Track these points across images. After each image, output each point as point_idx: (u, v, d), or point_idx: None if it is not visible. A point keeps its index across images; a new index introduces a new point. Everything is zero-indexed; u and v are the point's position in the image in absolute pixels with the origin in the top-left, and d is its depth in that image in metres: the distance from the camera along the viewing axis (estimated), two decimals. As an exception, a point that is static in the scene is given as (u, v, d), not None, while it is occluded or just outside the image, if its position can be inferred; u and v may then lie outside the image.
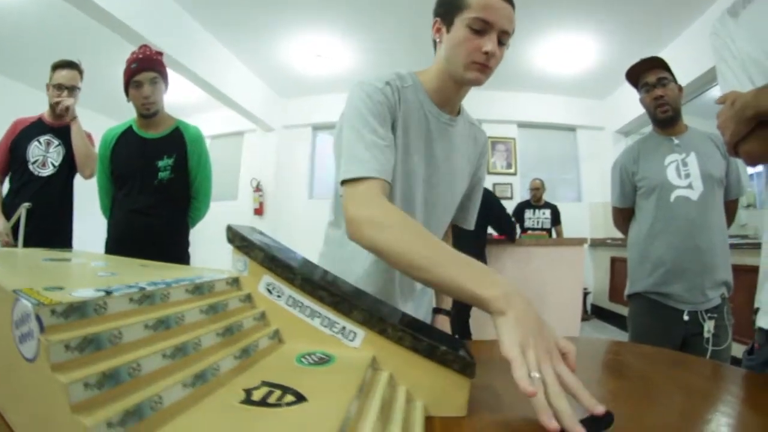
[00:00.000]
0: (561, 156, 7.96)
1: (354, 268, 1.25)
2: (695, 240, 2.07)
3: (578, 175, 7.82)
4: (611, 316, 6.53)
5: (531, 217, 6.09)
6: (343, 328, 0.57)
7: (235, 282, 0.62)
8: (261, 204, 8.04)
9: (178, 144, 2.54)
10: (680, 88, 2.22)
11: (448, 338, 0.61)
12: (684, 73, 5.32)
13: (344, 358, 0.53)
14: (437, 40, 1.23)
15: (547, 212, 6.00)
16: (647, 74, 2.21)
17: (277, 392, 0.41)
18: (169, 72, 5.39)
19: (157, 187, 2.46)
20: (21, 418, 0.39)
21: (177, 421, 0.35)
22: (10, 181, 2.87)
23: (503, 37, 1.16)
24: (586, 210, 7.50)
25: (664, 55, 5.19)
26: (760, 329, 0.97)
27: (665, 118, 2.19)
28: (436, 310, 1.51)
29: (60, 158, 2.83)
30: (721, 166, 2.13)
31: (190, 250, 2.79)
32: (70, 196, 2.96)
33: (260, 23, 5.78)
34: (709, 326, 2.04)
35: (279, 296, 0.60)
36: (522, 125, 7.89)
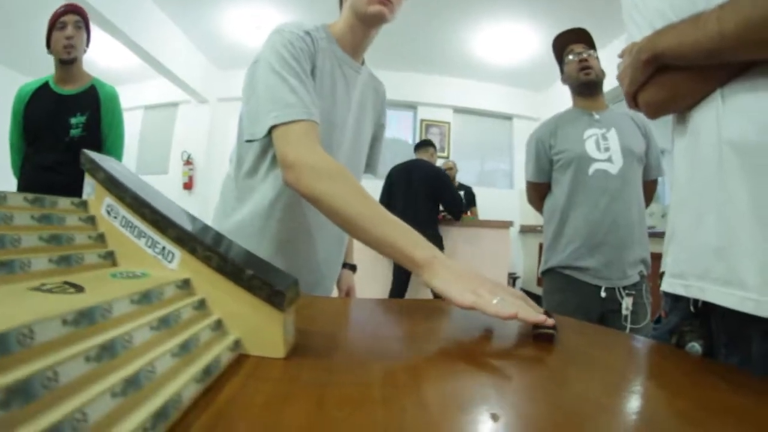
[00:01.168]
0: (496, 143, 8.11)
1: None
2: (613, 214, 2.05)
3: (512, 163, 8.01)
4: (540, 301, 6.62)
5: None
6: (163, 248, 0.56)
7: (81, 204, 0.62)
8: (190, 178, 7.85)
9: (92, 101, 2.49)
10: (602, 72, 2.23)
11: (278, 272, 0.57)
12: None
13: (155, 277, 0.51)
14: None
15: (461, 194, 5.86)
16: (575, 45, 2.22)
17: (64, 287, 0.41)
18: (104, 35, 5.20)
19: (68, 144, 2.40)
20: None
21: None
22: None
23: None
24: (516, 197, 7.66)
25: (606, 51, 5.40)
26: (665, 294, 0.90)
27: (588, 79, 2.17)
28: (343, 265, 1.53)
29: None
30: (641, 144, 2.14)
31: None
32: None
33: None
34: (627, 303, 2.01)
35: (115, 217, 0.59)
36: (458, 110, 8.04)
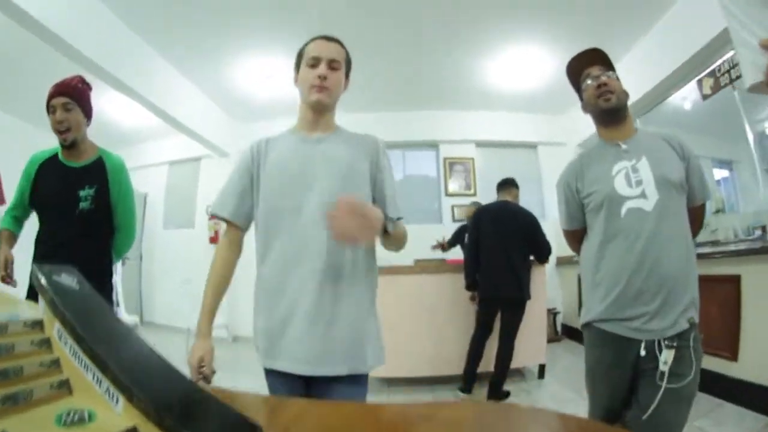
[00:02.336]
0: (523, 174, 7.96)
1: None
2: (652, 257, 1.78)
3: (541, 192, 7.80)
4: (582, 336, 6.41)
5: None
6: (107, 388, 0.48)
7: (37, 325, 0.55)
8: (216, 232, 7.84)
9: (100, 173, 2.47)
10: (626, 92, 1.98)
11: (231, 417, 0.49)
12: (640, 84, 5.45)
13: (102, 424, 0.44)
14: (297, 87, 1.76)
15: None
16: (591, 68, 2.02)
17: None
18: (122, 99, 5.33)
19: (78, 217, 2.37)
20: None
21: None
22: None
23: (334, 64, 1.69)
24: (551, 228, 7.47)
25: (621, 65, 5.29)
26: None
27: (608, 106, 1.94)
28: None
29: None
30: (679, 168, 1.87)
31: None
32: None
33: (211, 46, 5.76)
34: (666, 357, 1.72)
35: (66, 343, 0.51)
36: (480, 144, 7.91)
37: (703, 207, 1.98)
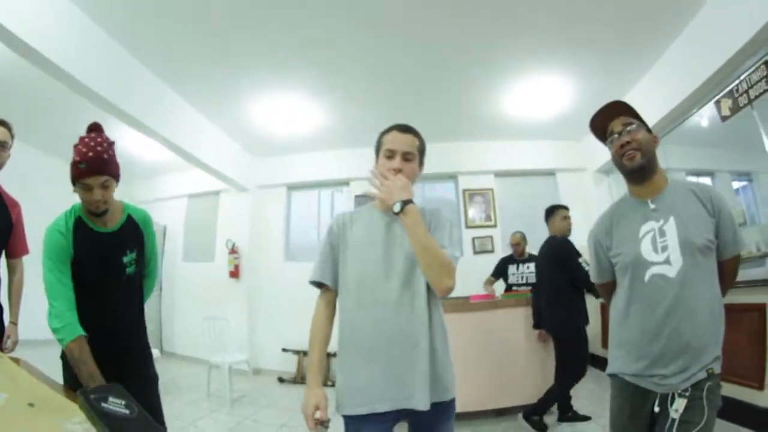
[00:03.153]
0: (542, 202, 7.88)
1: None
2: (672, 324, 1.79)
3: None
4: (606, 363, 6.32)
5: (515, 273, 5.84)
6: None
7: None
8: (236, 266, 7.92)
9: (136, 233, 2.32)
10: (654, 138, 1.97)
11: None
12: (660, 105, 5.39)
13: None
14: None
15: (532, 266, 5.57)
16: (612, 122, 2.00)
17: None
18: (141, 136, 5.38)
19: (126, 283, 2.24)
20: None
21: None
22: None
23: (408, 156, 1.93)
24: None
25: (638, 88, 5.21)
26: None
27: (633, 166, 1.92)
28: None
29: None
30: (708, 227, 1.84)
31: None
32: None
33: (228, 84, 5.81)
34: (677, 405, 1.76)
35: None
36: (499, 174, 7.86)
37: (736, 259, 1.93)
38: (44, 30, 3.80)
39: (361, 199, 7.90)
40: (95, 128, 2.22)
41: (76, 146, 2.09)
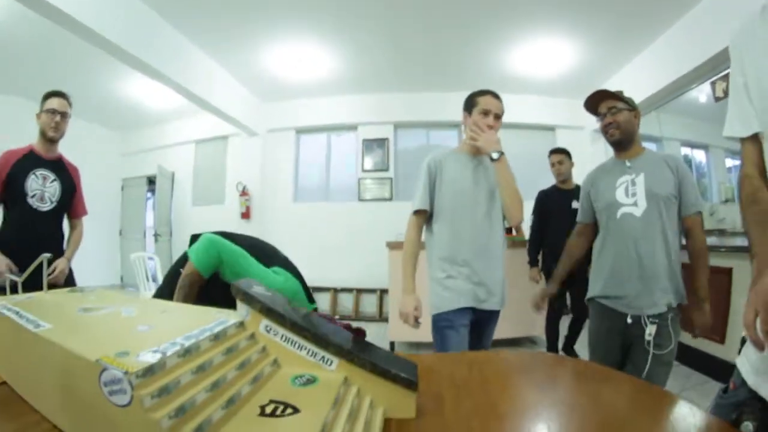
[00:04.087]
0: (541, 155, 8.10)
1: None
2: (637, 251, 2.31)
3: None
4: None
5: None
6: (323, 357, 0.80)
7: (241, 325, 0.83)
8: (248, 208, 8.27)
9: None
10: (636, 114, 2.48)
11: (402, 362, 0.84)
12: (656, 79, 5.72)
13: (324, 379, 0.75)
14: (464, 123, 2.52)
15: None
16: (600, 105, 2.51)
17: (281, 407, 0.64)
18: (150, 81, 5.63)
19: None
20: None
21: (222, 430, 0.56)
22: (5, 213, 3.00)
23: (499, 116, 2.42)
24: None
25: (641, 58, 5.45)
26: (738, 371, 1.08)
27: (613, 140, 2.50)
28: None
29: (57, 194, 3.02)
30: (671, 185, 2.34)
31: (175, 254, 2.99)
32: (62, 233, 3.17)
33: (241, 31, 6.00)
34: (651, 330, 2.25)
35: (275, 335, 0.82)
36: (501, 126, 7.94)
37: (697, 217, 2.39)
38: None
39: (369, 143, 8.20)
40: None
41: None
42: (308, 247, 7.98)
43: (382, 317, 7.35)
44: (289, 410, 0.63)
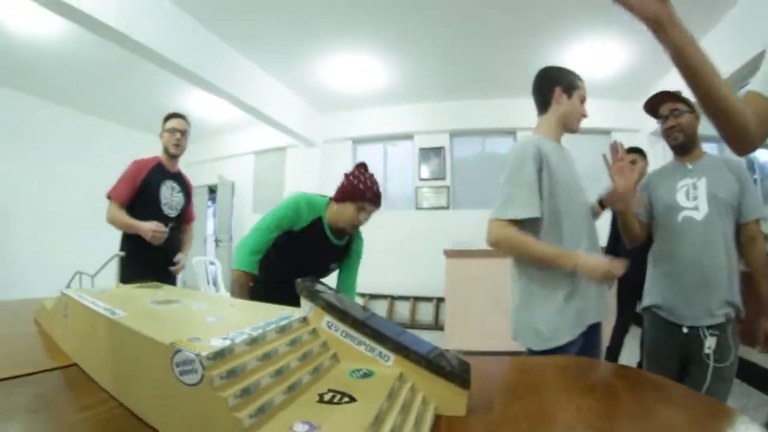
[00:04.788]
0: (597, 160, 7.95)
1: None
2: (697, 257, 2.21)
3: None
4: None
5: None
6: (380, 352, 0.84)
7: (304, 320, 0.89)
8: (303, 217, 8.34)
9: (348, 252, 2.83)
10: (697, 117, 2.38)
11: (455, 361, 0.87)
12: (719, 69, 5.41)
13: (381, 374, 0.79)
14: (557, 101, 2.19)
15: None
16: (662, 107, 2.45)
17: (338, 395, 0.68)
18: (210, 96, 6.04)
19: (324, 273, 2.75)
20: (180, 424, 0.65)
21: (283, 413, 0.61)
22: (135, 217, 3.22)
23: None
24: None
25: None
26: None
27: (676, 144, 2.43)
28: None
29: (181, 204, 3.45)
30: (733, 189, 2.26)
31: None
32: (177, 237, 3.54)
33: (296, 46, 6.24)
34: (710, 342, 2.14)
35: (336, 330, 0.87)
36: (556, 131, 7.90)
37: (756, 224, 2.30)
38: (122, 10, 4.47)
39: (426, 152, 8.23)
40: (364, 166, 2.67)
41: (360, 178, 2.54)
42: (366, 254, 8.00)
43: (438, 325, 7.38)
44: (345, 399, 0.67)
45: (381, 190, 2.59)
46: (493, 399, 0.91)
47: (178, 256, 3.45)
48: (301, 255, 2.55)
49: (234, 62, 6.31)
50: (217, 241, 9.60)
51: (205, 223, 10.81)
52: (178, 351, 0.62)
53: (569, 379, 1.13)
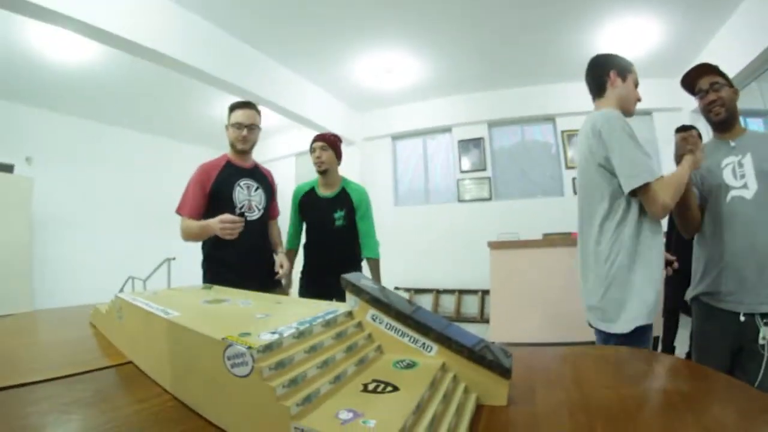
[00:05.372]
0: (640, 141, 7.78)
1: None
2: (750, 238, 2.03)
3: (658, 160, 7.49)
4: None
5: None
6: (423, 343, 0.86)
7: (349, 314, 0.93)
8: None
9: (346, 200, 3.35)
10: (735, 91, 2.21)
11: (497, 351, 0.88)
12: (759, 38, 5.04)
13: (424, 364, 0.81)
14: (612, 84, 2.17)
15: None
16: (700, 80, 2.26)
17: (382, 385, 0.71)
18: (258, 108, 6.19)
19: (335, 230, 3.29)
20: (230, 413, 0.70)
21: (328, 402, 0.64)
22: None
23: None
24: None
25: (732, 22, 5.02)
26: None
27: (718, 120, 2.21)
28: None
29: (263, 201, 3.08)
30: None
31: None
32: (268, 237, 3.31)
33: (331, 49, 6.33)
34: (765, 332, 1.94)
35: (380, 323, 0.90)
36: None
37: None
38: (167, 35, 4.79)
39: (465, 143, 8.23)
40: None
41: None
42: (410, 249, 8.18)
43: (483, 318, 7.32)
44: (389, 388, 0.70)
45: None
46: (534, 389, 0.91)
47: (280, 260, 3.11)
48: (309, 219, 3.41)
49: (270, 69, 6.48)
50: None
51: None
52: (230, 345, 0.67)
53: (612, 370, 1.12)
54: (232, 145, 3.01)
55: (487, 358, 0.83)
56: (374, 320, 0.91)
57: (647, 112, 7.73)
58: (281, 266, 2.99)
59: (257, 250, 3.02)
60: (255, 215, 3.01)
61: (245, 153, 3.04)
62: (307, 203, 3.43)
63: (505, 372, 0.82)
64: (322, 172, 3.38)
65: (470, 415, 0.75)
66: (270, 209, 3.21)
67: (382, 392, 0.69)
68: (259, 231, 3.07)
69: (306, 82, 7.24)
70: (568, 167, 7.67)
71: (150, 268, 6.12)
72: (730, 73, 2.27)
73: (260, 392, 0.62)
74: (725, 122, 2.21)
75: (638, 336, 1.85)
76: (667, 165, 7.09)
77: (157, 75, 6.00)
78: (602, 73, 2.19)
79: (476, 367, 0.83)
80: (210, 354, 0.71)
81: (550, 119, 7.98)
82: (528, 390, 0.89)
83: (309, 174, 9.27)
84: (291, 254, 3.42)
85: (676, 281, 3.78)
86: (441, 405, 0.70)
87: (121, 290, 1.47)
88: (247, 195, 3.01)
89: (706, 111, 2.25)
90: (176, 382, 0.86)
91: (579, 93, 7.21)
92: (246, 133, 2.98)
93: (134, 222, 8.73)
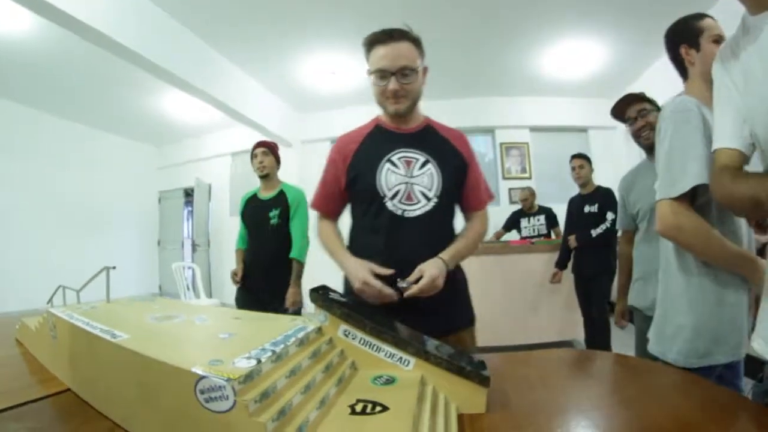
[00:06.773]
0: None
1: None
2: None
3: None
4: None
5: (527, 226, 6.13)
6: (401, 358, 0.85)
7: (319, 330, 0.89)
8: (283, 220, 8.31)
9: (283, 200, 3.53)
10: None
11: (471, 360, 0.89)
12: (674, 84, 5.43)
13: (403, 378, 0.81)
14: (690, 62, 1.72)
15: (542, 218, 6.04)
16: (628, 109, 2.47)
17: (369, 405, 0.68)
18: (186, 96, 5.89)
19: (271, 230, 3.47)
20: None
21: (319, 429, 0.61)
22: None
23: None
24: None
25: (659, 63, 5.13)
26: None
27: (648, 144, 2.39)
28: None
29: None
30: None
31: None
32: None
33: (274, 44, 6.13)
34: None
35: (353, 339, 0.88)
36: (534, 129, 8.08)
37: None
38: (95, 6, 4.27)
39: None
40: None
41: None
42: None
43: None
44: (378, 408, 0.68)
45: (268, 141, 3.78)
46: (507, 394, 0.92)
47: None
48: (250, 221, 3.63)
49: (211, 61, 6.19)
50: (194, 245, 9.41)
51: (182, 227, 10.65)
52: (203, 377, 0.59)
53: (573, 370, 1.21)
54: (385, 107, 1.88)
55: (466, 369, 0.83)
56: (347, 336, 0.89)
57: (583, 130, 8.11)
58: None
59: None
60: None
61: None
62: (249, 206, 3.68)
63: (483, 381, 0.83)
64: (264, 176, 3.63)
65: (456, 426, 0.75)
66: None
67: (372, 413, 0.66)
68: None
69: (246, 76, 7.02)
70: (504, 177, 7.90)
71: (85, 277, 5.59)
72: (666, 98, 2.29)
73: (247, 429, 0.56)
74: (654, 146, 2.26)
75: None
76: (600, 178, 7.32)
77: (91, 54, 5.48)
78: (675, 53, 1.80)
79: (455, 378, 0.84)
80: (175, 386, 0.62)
81: (489, 131, 8.18)
82: (502, 395, 0.91)
83: (245, 174, 9.21)
84: (240, 253, 3.72)
85: None
86: (430, 420, 0.69)
87: (50, 301, 1.30)
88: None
89: (636, 136, 2.46)
90: (130, 415, 0.74)
91: (519, 107, 7.44)
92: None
93: (69, 224, 8.28)
